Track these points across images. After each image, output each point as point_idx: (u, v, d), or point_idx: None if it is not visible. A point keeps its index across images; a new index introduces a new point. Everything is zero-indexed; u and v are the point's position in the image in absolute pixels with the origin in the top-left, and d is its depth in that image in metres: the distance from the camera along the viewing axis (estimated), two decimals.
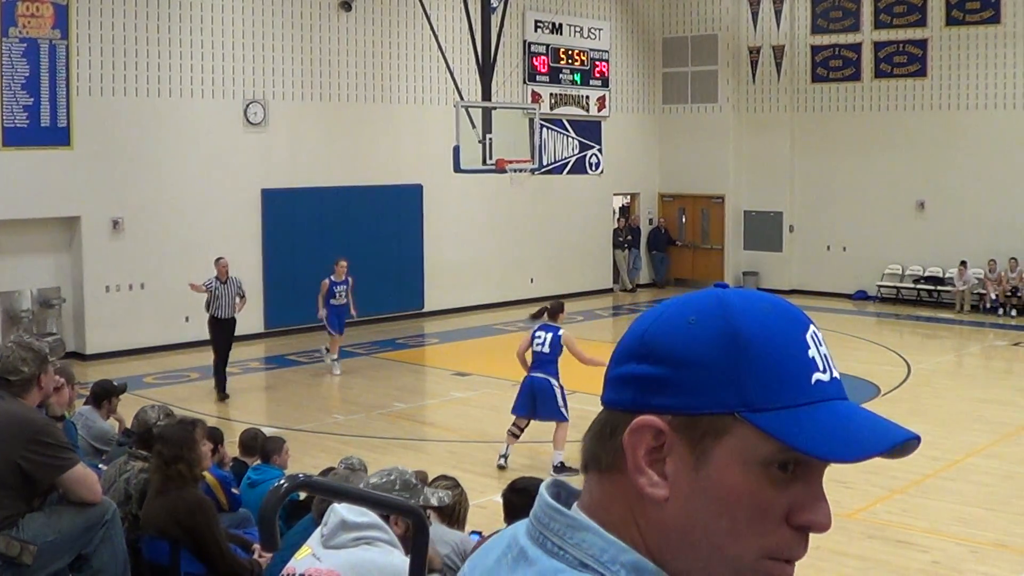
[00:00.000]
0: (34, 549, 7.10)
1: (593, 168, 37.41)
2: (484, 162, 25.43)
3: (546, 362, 17.00)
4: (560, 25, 36.01)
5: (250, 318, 26.11)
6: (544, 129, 33.14)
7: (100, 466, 10.09)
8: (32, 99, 24.75)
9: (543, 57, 35.56)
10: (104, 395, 12.64)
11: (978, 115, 33.67)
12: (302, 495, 8.99)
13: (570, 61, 36.48)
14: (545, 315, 17.56)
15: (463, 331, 30.56)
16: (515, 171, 27.10)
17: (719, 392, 1.65)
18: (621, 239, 38.92)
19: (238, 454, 12.32)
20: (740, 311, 1.71)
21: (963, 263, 33.26)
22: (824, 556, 12.54)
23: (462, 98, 26.82)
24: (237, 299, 22.44)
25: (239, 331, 23.05)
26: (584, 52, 36.91)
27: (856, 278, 36.17)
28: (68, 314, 26.09)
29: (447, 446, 19.18)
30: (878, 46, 35.65)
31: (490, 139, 25.39)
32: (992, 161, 33.16)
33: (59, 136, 25.11)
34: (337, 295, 24.31)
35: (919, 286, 34.94)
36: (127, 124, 26.14)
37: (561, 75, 36.23)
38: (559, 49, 36.08)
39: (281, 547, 6.91)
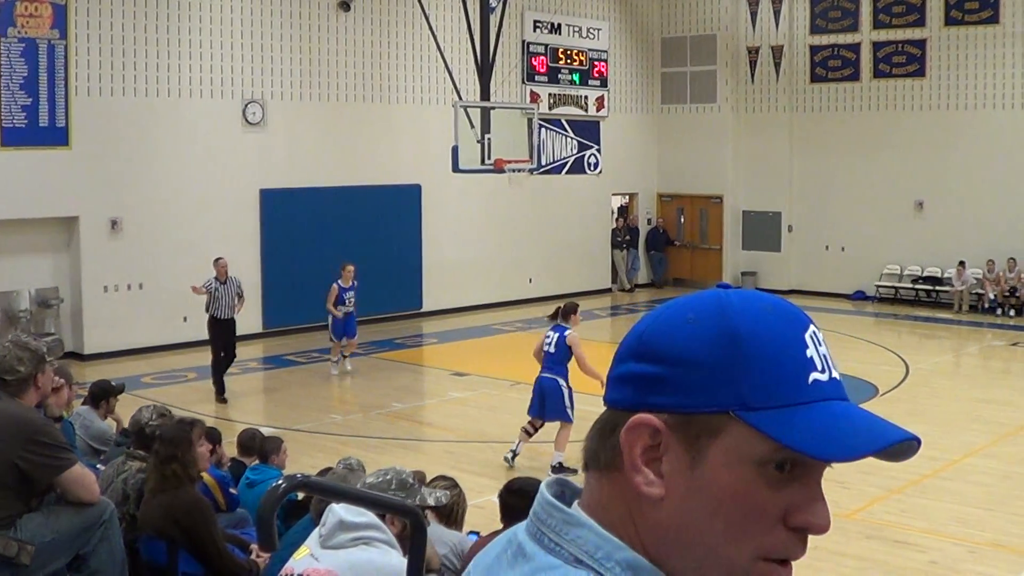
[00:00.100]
0: (32, 549, 7.10)
1: (592, 168, 37.41)
2: (483, 162, 25.43)
3: (554, 362, 16.98)
4: (559, 25, 36.01)
5: (248, 318, 26.10)
6: (543, 129, 33.20)
7: (98, 466, 10.09)
8: (31, 99, 24.75)
9: (542, 57, 35.56)
10: (102, 395, 12.64)
11: (977, 115, 33.68)
12: (300, 495, 9.00)
13: (569, 61, 36.47)
14: (559, 316, 17.51)
15: (461, 331, 30.57)
16: (514, 171, 27.14)
17: (715, 391, 1.66)
18: (619, 239, 38.93)
19: (236, 454, 12.32)
20: (738, 310, 1.71)
21: (961, 263, 33.26)
22: (822, 556, 12.54)
23: (461, 98, 26.83)
24: (236, 299, 22.36)
25: (237, 331, 22.98)
26: (583, 52, 36.91)
27: (855, 278, 36.17)
28: (66, 314, 26.09)
29: (445, 446, 19.18)
30: (877, 46, 35.66)
31: (489, 139, 25.40)
32: (991, 161, 33.16)
33: (57, 136, 25.11)
34: (346, 301, 24.08)
35: (917, 286, 34.94)
36: (125, 124, 26.14)
37: (560, 75, 36.23)
38: (558, 49, 36.08)
39: (279, 547, 6.92)
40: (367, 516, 5.47)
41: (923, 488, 16.09)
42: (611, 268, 38.89)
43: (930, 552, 13.75)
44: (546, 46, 35.69)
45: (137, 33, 26.33)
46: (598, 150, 37.56)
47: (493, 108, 26.17)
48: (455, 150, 24.93)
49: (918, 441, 1.69)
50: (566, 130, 36.40)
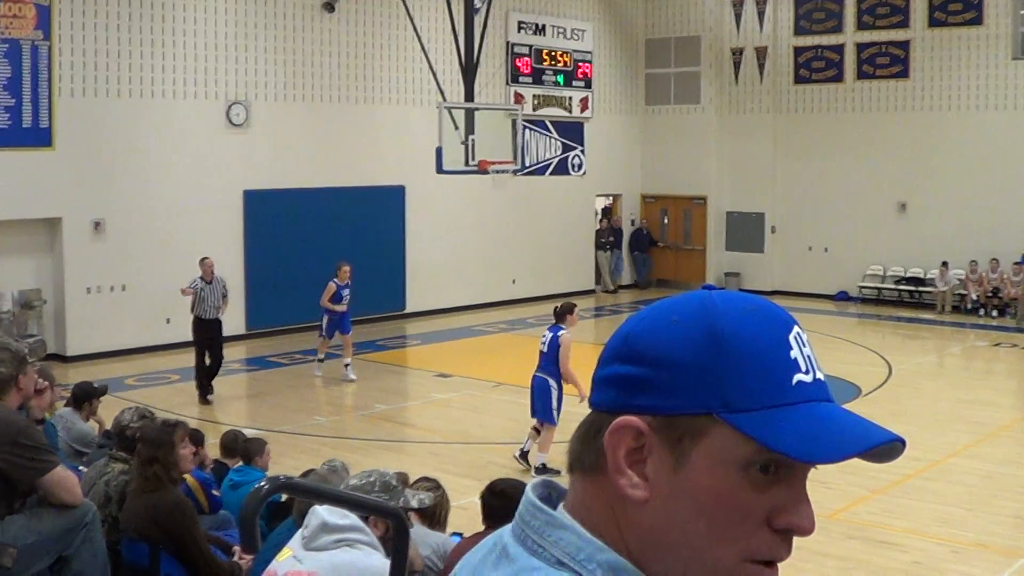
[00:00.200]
0: (14, 551, 7.07)
1: (575, 169, 37.40)
2: (467, 163, 25.41)
3: (547, 362, 16.96)
4: (543, 26, 36.02)
5: (232, 319, 26.03)
6: (527, 130, 33.18)
7: (80, 468, 10.08)
8: (14, 100, 24.69)
9: (526, 58, 35.57)
10: (85, 397, 12.62)
11: (960, 116, 33.75)
12: (283, 497, 8.99)
13: (553, 62, 36.48)
14: (555, 316, 17.48)
15: (445, 332, 30.57)
16: (497, 172, 27.11)
17: (698, 392, 1.65)
18: (603, 240, 38.96)
19: (219, 456, 12.30)
20: (722, 312, 1.71)
21: (944, 264, 33.34)
22: (805, 557, 12.56)
23: (445, 99, 26.81)
24: (221, 300, 22.27)
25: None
26: (567, 53, 36.91)
27: (838, 279, 36.23)
28: (49, 315, 26.02)
29: (429, 447, 19.17)
30: (861, 47, 35.72)
31: (473, 140, 25.38)
32: (974, 162, 33.24)
33: (41, 137, 25.05)
34: (343, 299, 23.81)
35: (900, 287, 35.02)
36: (109, 125, 26.08)
37: (544, 76, 36.23)
38: (542, 50, 36.08)
39: (263, 549, 6.91)
40: (350, 518, 5.47)
41: (906, 488, 16.12)
42: (595, 269, 38.92)
43: (913, 552, 13.78)
44: (530, 47, 35.69)
45: (121, 34, 26.28)
46: (582, 151, 37.55)
47: (477, 109, 26.15)
48: (439, 151, 24.90)
49: (902, 442, 1.68)
50: (550, 131, 36.40)
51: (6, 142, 24.58)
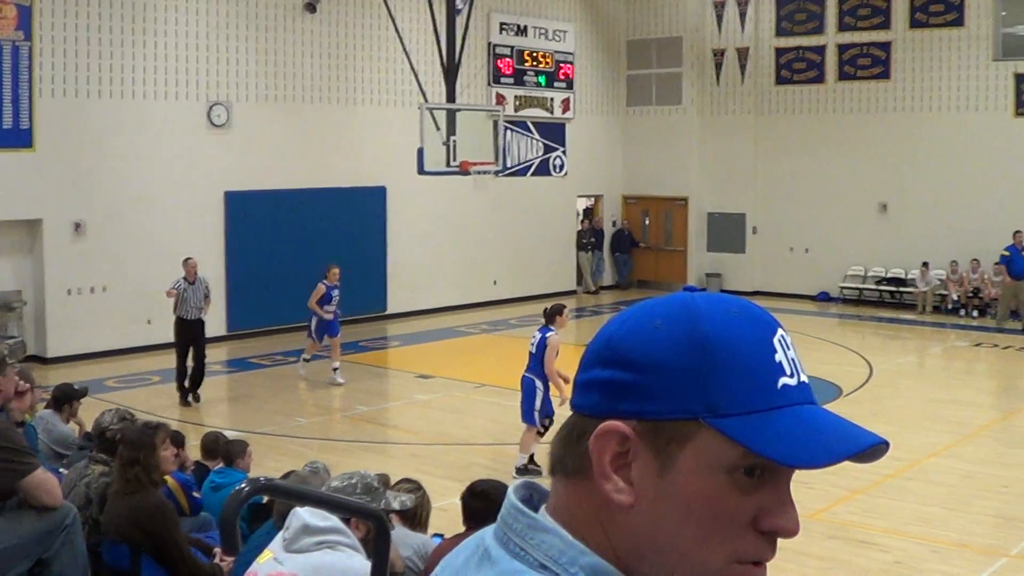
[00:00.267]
0: None
1: (557, 170, 37.41)
2: (448, 164, 25.39)
3: (534, 363, 16.98)
4: (525, 27, 36.02)
5: (213, 321, 25.94)
6: (508, 131, 33.17)
7: (61, 470, 10.05)
8: None
9: (508, 59, 35.56)
10: (65, 399, 12.59)
11: (941, 117, 33.83)
12: (265, 499, 8.98)
13: (535, 63, 36.48)
14: (545, 317, 17.44)
15: (426, 333, 30.55)
16: (479, 173, 27.11)
17: (684, 397, 1.65)
18: (585, 241, 38.97)
19: (199, 457, 12.28)
20: (706, 315, 1.70)
21: (925, 264, 33.41)
22: (786, 557, 12.56)
23: (426, 100, 26.79)
24: (204, 300, 22.16)
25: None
26: (549, 54, 36.92)
27: (819, 279, 36.29)
28: (29, 317, 25.94)
29: (410, 449, 19.16)
30: (842, 48, 35.79)
31: (454, 141, 25.37)
32: (955, 163, 33.32)
33: (21, 138, 24.98)
34: (333, 300, 23.66)
35: (881, 287, 35.10)
36: (90, 126, 26.02)
37: (526, 77, 36.23)
38: (524, 51, 36.09)
39: (243, 551, 6.90)
40: (331, 520, 5.46)
41: (886, 488, 16.15)
42: (576, 270, 38.94)
43: (893, 552, 13.80)
44: (512, 48, 35.69)
45: (102, 35, 26.22)
46: (564, 152, 37.57)
47: (459, 110, 26.14)
48: (420, 152, 24.88)
49: (887, 444, 1.69)
50: (532, 132, 36.40)
51: None
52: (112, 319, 26.55)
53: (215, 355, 25.75)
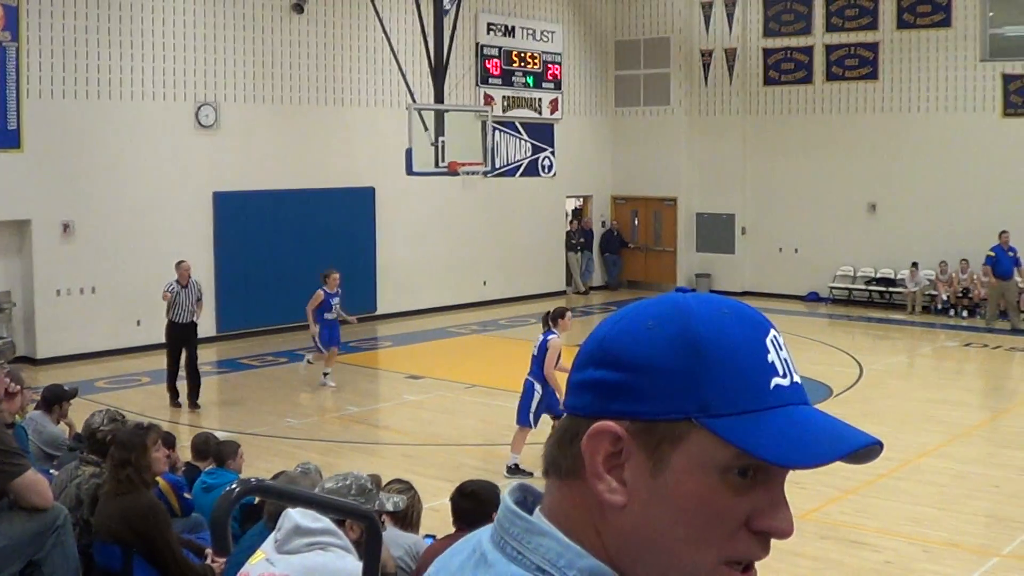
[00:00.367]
0: None
1: (546, 171, 37.41)
2: (437, 165, 25.40)
3: (536, 366, 16.94)
4: (513, 28, 36.01)
5: (202, 321, 25.87)
6: (496, 132, 33.16)
7: (51, 471, 10.03)
8: None
9: (496, 59, 35.56)
10: (55, 400, 12.57)
11: (929, 118, 33.87)
12: (256, 499, 8.97)
13: (523, 63, 36.48)
14: (547, 321, 17.40)
15: (416, 334, 30.54)
16: (468, 174, 27.13)
17: (676, 398, 1.65)
18: (574, 241, 38.97)
19: (190, 458, 12.26)
20: (698, 316, 1.70)
21: (914, 265, 33.45)
22: (777, 557, 12.54)
23: (415, 100, 26.79)
24: (196, 304, 21.97)
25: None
26: (537, 55, 36.91)
27: (808, 280, 36.32)
28: (18, 318, 25.91)
29: (401, 449, 19.14)
30: (830, 49, 35.82)
31: (443, 142, 25.38)
32: (943, 164, 33.36)
33: (9, 139, 24.93)
34: (332, 308, 23.11)
35: (871, 287, 35.13)
36: (78, 126, 25.99)
37: (514, 77, 36.23)
38: (512, 51, 36.08)
39: (235, 551, 6.89)
40: (323, 522, 5.45)
41: (877, 488, 16.16)
42: (565, 270, 38.95)
43: (885, 552, 13.81)
44: (500, 48, 35.68)
45: (90, 35, 26.18)
46: (552, 153, 37.57)
47: (447, 111, 26.15)
48: (409, 153, 24.88)
49: (880, 445, 1.68)
50: (520, 133, 36.40)
51: None
52: (102, 320, 26.51)
53: (205, 356, 25.69)
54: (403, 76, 27.57)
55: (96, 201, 26.31)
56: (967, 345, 29.10)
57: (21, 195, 25.15)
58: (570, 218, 39.83)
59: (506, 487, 1.87)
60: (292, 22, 30.08)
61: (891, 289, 34.57)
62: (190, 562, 8.42)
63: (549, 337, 16.87)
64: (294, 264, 29.41)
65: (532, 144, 36.85)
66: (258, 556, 5.57)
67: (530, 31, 36.67)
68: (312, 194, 30.35)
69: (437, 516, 12.00)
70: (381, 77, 31.94)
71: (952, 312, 33.08)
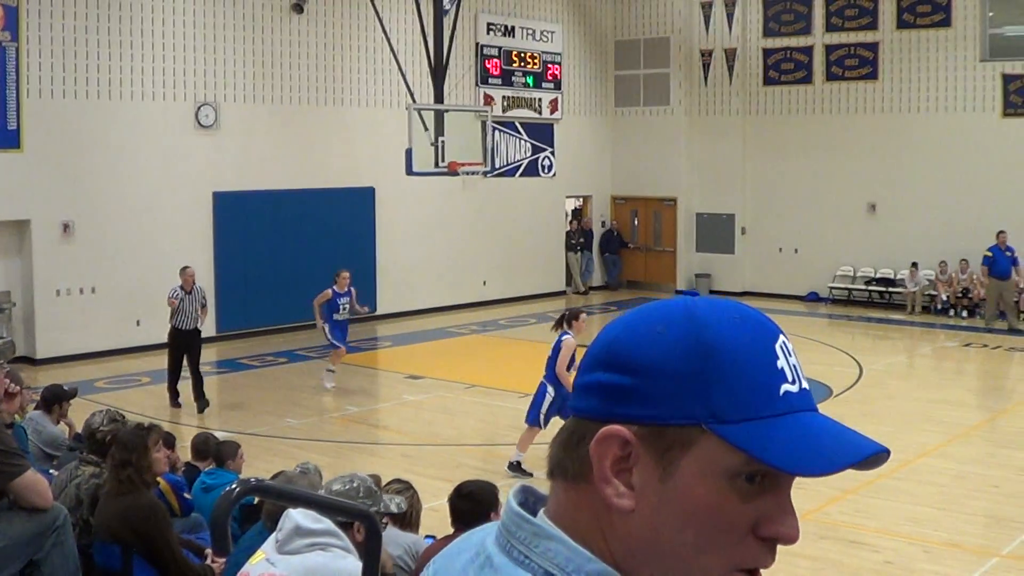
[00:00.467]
0: None
1: (545, 171, 37.41)
2: (436, 165, 25.41)
3: (549, 367, 16.90)
4: (512, 28, 36.00)
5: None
6: (496, 132, 33.16)
7: (51, 471, 10.03)
8: None
9: (495, 59, 35.55)
10: (54, 400, 12.56)
11: (929, 118, 33.86)
12: (256, 500, 8.97)
13: (522, 63, 36.47)
14: (561, 323, 17.34)
15: (416, 334, 30.52)
16: (467, 174, 27.13)
17: (686, 403, 1.65)
18: (573, 241, 38.96)
19: (190, 458, 12.25)
20: (709, 320, 1.70)
21: (914, 265, 33.44)
22: (777, 557, 12.48)
23: (414, 101, 26.80)
24: (200, 310, 21.68)
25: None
26: (536, 55, 36.91)
27: (808, 280, 36.31)
28: (18, 318, 25.90)
29: (401, 449, 19.13)
30: (829, 49, 35.81)
31: (442, 142, 25.38)
32: (943, 164, 33.35)
33: (9, 139, 24.92)
34: (341, 308, 22.97)
35: (871, 288, 35.12)
36: (78, 126, 25.99)
37: (513, 77, 36.22)
38: (511, 51, 36.07)
39: (234, 551, 6.89)
40: (324, 522, 5.45)
41: (877, 488, 16.14)
42: (565, 270, 38.93)
43: (884, 552, 13.81)
44: (500, 48, 35.68)
45: (89, 35, 26.18)
46: (552, 153, 37.58)
47: (447, 111, 26.15)
48: (409, 153, 24.89)
49: (887, 452, 1.69)
50: (520, 133, 36.40)
51: None
52: (101, 320, 26.50)
53: (205, 356, 25.57)
54: (403, 76, 27.58)
55: (96, 201, 26.31)
56: (967, 345, 29.10)
57: (21, 195, 25.15)
58: (570, 218, 39.82)
59: (509, 488, 1.87)
60: (292, 22, 30.07)
61: (891, 289, 34.56)
62: (190, 562, 8.42)
63: (564, 338, 16.83)
64: (294, 264, 29.43)
65: (532, 144, 36.86)
66: (258, 556, 5.57)
67: (530, 31, 36.67)
68: (312, 194, 30.34)
69: (437, 516, 12.00)
70: (381, 77, 31.94)
71: (952, 312, 33.07)
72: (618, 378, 1.69)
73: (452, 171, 25.73)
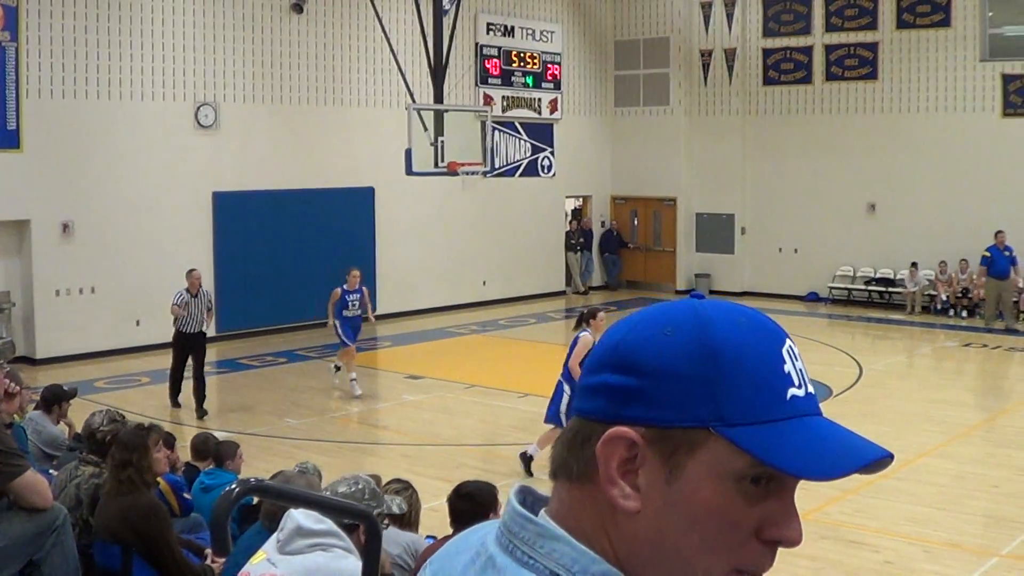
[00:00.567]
0: None
1: (545, 171, 37.41)
2: (436, 165, 25.40)
3: (566, 364, 16.85)
4: (512, 28, 36.01)
5: None
6: (496, 132, 33.15)
7: (51, 471, 10.02)
8: None
9: (495, 59, 35.56)
10: (54, 400, 12.56)
11: (928, 118, 33.86)
12: (255, 500, 8.96)
13: (522, 64, 36.47)
14: (581, 322, 17.32)
15: (415, 334, 30.52)
16: (467, 174, 27.10)
17: (694, 405, 1.65)
18: (573, 241, 38.96)
19: (190, 458, 12.25)
20: (716, 324, 1.70)
21: (914, 265, 33.44)
22: (777, 557, 12.52)
23: (414, 101, 26.78)
24: (205, 313, 21.48)
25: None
26: (536, 55, 36.92)
27: (808, 280, 36.31)
28: (18, 318, 25.90)
29: (400, 449, 19.13)
30: (829, 49, 35.81)
31: (442, 142, 25.38)
32: (942, 164, 33.35)
33: (9, 139, 24.92)
34: (350, 305, 22.85)
35: (870, 287, 35.12)
36: (77, 127, 25.98)
37: (513, 77, 36.22)
38: (511, 51, 36.08)
39: (233, 551, 6.88)
40: (326, 523, 5.44)
41: (877, 488, 16.14)
42: (565, 270, 38.93)
43: (885, 552, 13.80)
44: (499, 48, 35.68)
45: (89, 35, 26.18)
46: (551, 153, 37.58)
47: (446, 111, 26.15)
48: (408, 153, 24.88)
49: (891, 456, 1.69)
50: (519, 133, 36.40)
51: None
52: (100, 320, 26.50)
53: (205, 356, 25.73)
54: (403, 76, 27.57)
55: (96, 201, 26.31)
56: (966, 345, 29.10)
57: (20, 195, 25.15)
58: (569, 218, 39.82)
59: (508, 488, 1.86)
60: (292, 22, 30.07)
61: (890, 289, 34.56)
62: (190, 562, 8.42)
63: (581, 335, 16.79)
64: (294, 264, 29.43)
65: (531, 144, 36.86)
66: (259, 556, 5.56)
67: (530, 31, 36.67)
68: (312, 194, 30.33)
69: (437, 516, 12.00)
70: (381, 77, 31.94)
71: (951, 312, 33.07)
72: (625, 380, 1.69)
73: (452, 171, 25.72)
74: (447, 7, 27.05)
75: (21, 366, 21.67)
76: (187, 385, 21.64)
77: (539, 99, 37.11)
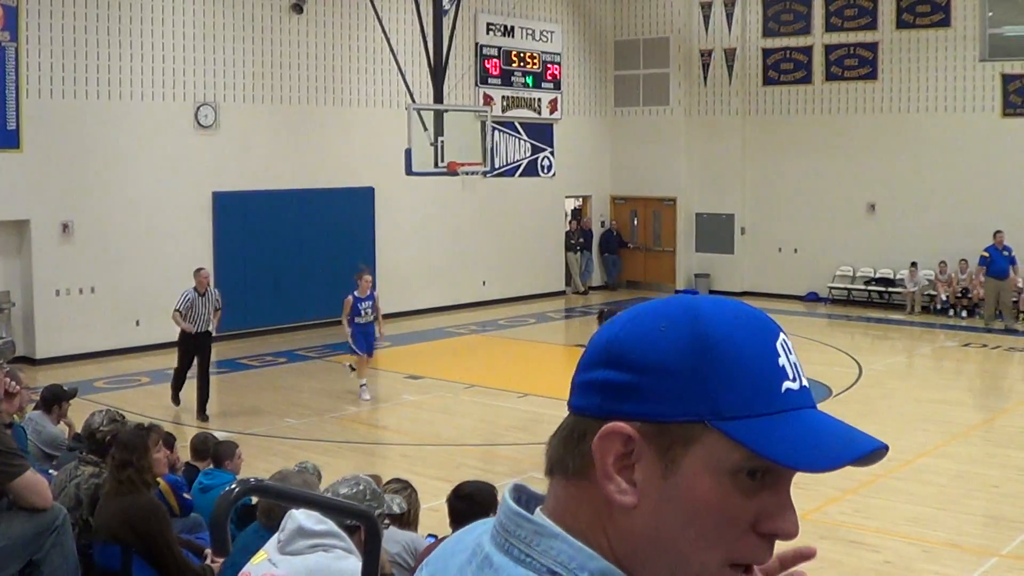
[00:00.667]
0: None
1: (545, 171, 37.41)
2: (436, 165, 25.39)
3: None
4: (512, 28, 36.00)
5: None
6: (496, 132, 33.15)
7: (51, 471, 10.02)
8: None
9: (495, 59, 35.55)
10: (54, 400, 12.56)
11: (928, 118, 33.85)
12: (255, 500, 8.96)
13: (522, 64, 36.47)
14: (601, 319, 17.33)
15: (415, 334, 30.49)
16: (467, 174, 27.09)
17: (689, 400, 1.65)
18: (573, 241, 38.95)
19: (189, 458, 12.25)
20: (710, 319, 1.70)
21: (913, 265, 33.43)
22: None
23: (414, 101, 26.77)
24: (213, 313, 21.22)
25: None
26: (536, 55, 36.91)
27: (807, 280, 36.30)
28: (18, 318, 25.89)
29: (400, 449, 19.13)
30: (829, 49, 35.81)
31: (442, 142, 25.36)
32: (942, 163, 33.35)
33: (8, 139, 24.92)
34: (362, 312, 22.57)
35: (870, 287, 35.11)
36: (77, 127, 25.98)
37: (513, 78, 36.22)
38: (511, 51, 36.08)
39: (233, 551, 6.88)
40: (326, 524, 5.45)
41: (877, 488, 16.14)
42: (565, 270, 38.92)
43: (884, 552, 13.80)
44: (499, 48, 35.68)
45: (89, 35, 26.17)
46: (551, 153, 37.58)
47: (446, 111, 26.14)
48: (408, 153, 24.87)
49: (886, 448, 1.69)
50: (519, 133, 36.40)
51: None
52: (100, 320, 26.49)
53: None
54: (403, 76, 27.55)
55: (96, 201, 26.30)
56: (966, 345, 29.09)
57: (20, 195, 25.15)
58: (569, 218, 39.81)
59: (503, 487, 1.86)
60: (292, 22, 30.07)
61: (890, 289, 34.56)
62: (189, 562, 8.42)
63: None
64: (294, 264, 29.43)
65: (531, 144, 36.86)
66: (260, 556, 5.57)
67: (529, 31, 36.67)
68: (312, 194, 30.33)
69: (436, 516, 11.99)
70: (381, 77, 31.94)
71: (951, 312, 33.07)
72: (620, 375, 1.69)
73: (452, 171, 25.71)
74: (447, 7, 27.05)
75: (21, 366, 21.66)
76: (189, 385, 21.61)
77: (539, 99, 37.11)
